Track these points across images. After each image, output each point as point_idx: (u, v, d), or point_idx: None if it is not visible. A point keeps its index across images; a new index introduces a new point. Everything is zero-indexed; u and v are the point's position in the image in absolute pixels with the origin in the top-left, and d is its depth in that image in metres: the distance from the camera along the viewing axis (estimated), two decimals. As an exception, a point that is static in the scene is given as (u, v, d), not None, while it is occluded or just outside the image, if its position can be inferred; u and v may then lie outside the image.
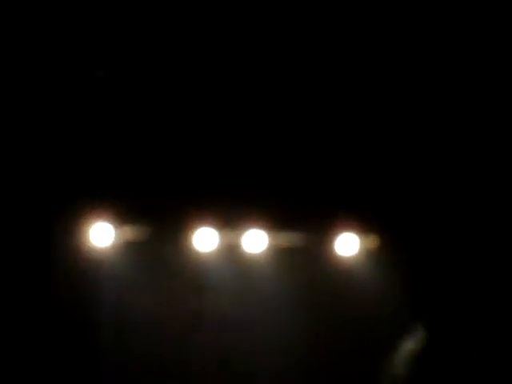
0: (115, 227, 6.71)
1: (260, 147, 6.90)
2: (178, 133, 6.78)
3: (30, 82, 6.31)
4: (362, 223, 7.04)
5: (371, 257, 7.04)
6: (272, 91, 6.74)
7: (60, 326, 6.67)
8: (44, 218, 6.55)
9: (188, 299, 6.92)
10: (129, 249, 6.80)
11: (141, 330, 6.85)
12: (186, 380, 6.93)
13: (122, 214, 6.70)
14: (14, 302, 6.49)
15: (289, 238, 7.07)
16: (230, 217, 6.91)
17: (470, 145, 6.78)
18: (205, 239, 6.82)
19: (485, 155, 6.78)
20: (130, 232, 6.81)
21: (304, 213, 7.03)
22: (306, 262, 7.05)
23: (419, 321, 7.03)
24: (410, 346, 7.06)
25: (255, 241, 6.91)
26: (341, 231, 7.04)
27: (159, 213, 6.83)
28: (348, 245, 7.01)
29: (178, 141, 6.80)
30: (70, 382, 6.66)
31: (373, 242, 7.09)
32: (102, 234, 6.67)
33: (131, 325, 6.84)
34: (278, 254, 6.99)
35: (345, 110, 6.81)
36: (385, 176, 6.94)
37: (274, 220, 6.95)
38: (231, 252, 6.92)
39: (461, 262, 6.94)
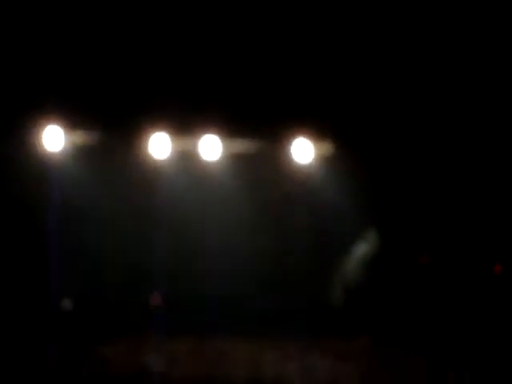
0: (66, 132, 6.67)
1: (216, 53, 6.84)
2: (133, 37, 6.70)
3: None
4: (317, 130, 7.03)
5: (326, 163, 7.06)
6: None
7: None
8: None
9: (139, 200, 6.93)
10: (80, 153, 6.78)
11: (91, 225, 6.89)
12: (133, 274, 6.99)
13: (74, 118, 6.66)
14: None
15: (244, 145, 7.07)
16: (185, 123, 6.88)
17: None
18: (159, 145, 6.80)
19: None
20: (81, 136, 6.78)
21: (259, 119, 7.01)
22: (260, 169, 7.06)
23: (371, 227, 7.10)
24: (361, 251, 7.16)
25: (210, 147, 6.89)
26: (296, 138, 7.03)
27: (112, 118, 6.79)
28: (303, 151, 7.01)
29: (134, 45, 6.72)
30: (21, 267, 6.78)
31: (328, 148, 7.10)
32: (53, 139, 6.63)
33: (81, 220, 6.88)
34: (233, 161, 6.99)
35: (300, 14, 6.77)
36: (339, 83, 6.92)
37: (229, 127, 6.93)
38: (186, 159, 6.91)
39: (413, 168, 6.99)
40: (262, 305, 6.90)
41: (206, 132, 6.90)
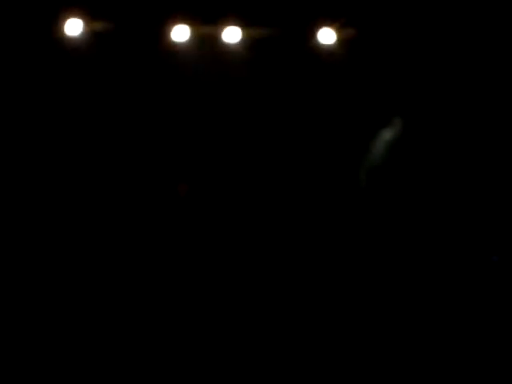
0: (85, 19, 6.59)
1: None
2: None
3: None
4: (340, 14, 6.91)
5: (349, 48, 6.96)
6: None
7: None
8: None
9: (159, 88, 6.89)
10: (98, 39, 6.69)
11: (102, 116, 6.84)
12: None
13: (93, 6, 6.57)
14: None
15: (266, 30, 6.96)
16: (206, 10, 6.77)
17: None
18: (180, 31, 6.70)
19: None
20: (99, 24, 6.69)
21: (281, 4, 6.89)
22: (283, 54, 6.98)
23: (396, 111, 7.07)
24: (386, 135, 7.13)
25: (231, 33, 6.78)
26: (319, 22, 6.91)
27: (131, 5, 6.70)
28: (325, 36, 6.90)
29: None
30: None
31: (350, 32, 6.99)
32: (73, 26, 6.55)
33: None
34: (255, 46, 6.89)
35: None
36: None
37: (251, 12, 6.82)
38: (207, 44, 6.81)
39: (436, 54, 6.92)
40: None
41: (227, 18, 6.79)
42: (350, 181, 7.12)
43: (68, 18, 6.48)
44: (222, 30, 6.76)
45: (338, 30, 6.87)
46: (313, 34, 6.88)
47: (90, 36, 6.64)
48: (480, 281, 6.40)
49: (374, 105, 6.97)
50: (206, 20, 6.80)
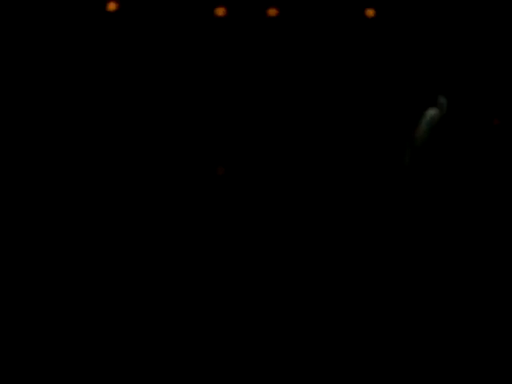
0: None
1: None
2: None
3: None
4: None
5: (392, 23, 7.00)
6: None
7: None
8: None
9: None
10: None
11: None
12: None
13: None
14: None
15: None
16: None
17: None
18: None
19: None
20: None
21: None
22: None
23: (442, 89, 7.12)
24: (432, 113, 7.17)
25: None
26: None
27: None
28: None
29: None
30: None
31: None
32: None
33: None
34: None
35: None
36: None
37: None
38: None
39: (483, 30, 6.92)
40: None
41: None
42: (395, 160, 7.19)
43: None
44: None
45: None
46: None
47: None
48: None
49: (419, 84, 7.05)
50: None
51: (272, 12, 6.61)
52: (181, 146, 6.62)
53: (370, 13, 6.97)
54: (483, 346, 4.44)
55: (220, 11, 6.61)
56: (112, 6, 6.48)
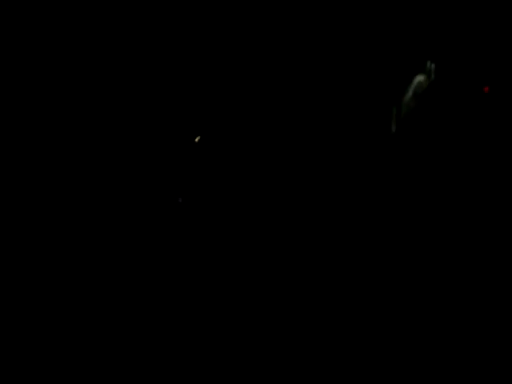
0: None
1: None
2: None
3: None
4: None
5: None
6: None
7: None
8: None
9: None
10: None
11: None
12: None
13: None
14: None
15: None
16: None
17: None
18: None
19: None
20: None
21: None
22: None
23: (429, 55, 6.84)
24: (420, 79, 6.85)
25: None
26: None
27: None
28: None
29: None
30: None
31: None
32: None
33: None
34: None
35: None
36: None
37: None
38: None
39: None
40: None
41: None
42: (381, 128, 6.95)
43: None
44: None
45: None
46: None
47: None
48: None
49: (406, 49, 6.93)
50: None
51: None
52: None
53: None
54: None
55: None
56: None
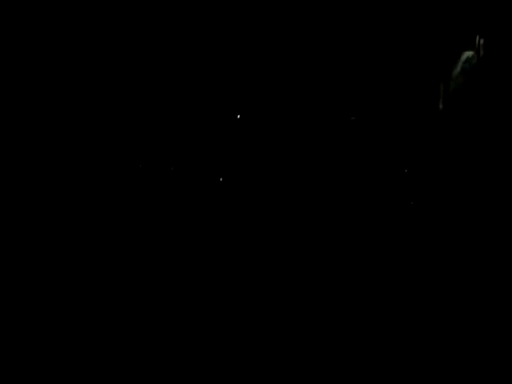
0: None
1: None
2: None
3: None
4: None
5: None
6: None
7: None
8: None
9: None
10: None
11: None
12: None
13: None
14: None
15: None
16: None
17: None
18: None
19: None
20: None
21: None
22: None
23: (478, 30, 6.67)
24: (469, 55, 6.69)
25: None
26: None
27: None
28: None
29: None
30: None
31: None
32: None
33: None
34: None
35: None
36: None
37: None
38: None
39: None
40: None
41: None
42: (428, 106, 6.82)
43: None
44: None
45: None
46: None
47: None
48: None
49: (455, 24, 6.78)
50: None
51: None
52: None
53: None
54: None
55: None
56: None
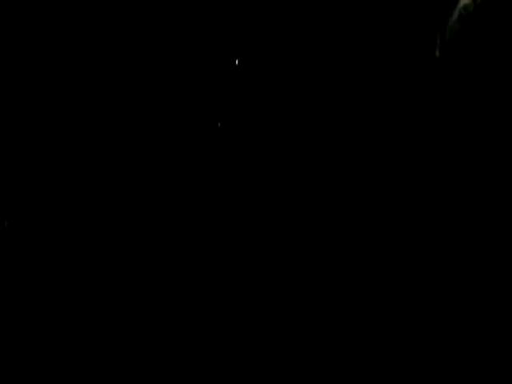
0: None
1: None
2: None
3: None
4: None
5: None
6: None
7: None
8: None
9: None
10: None
11: None
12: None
13: None
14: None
15: None
16: None
17: None
18: None
19: None
20: None
21: None
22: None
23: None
24: (464, 2, 6.59)
25: None
26: None
27: None
28: None
29: None
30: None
31: None
32: None
33: None
34: None
35: None
36: None
37: None
38: None
39: None
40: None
41: None
42: (424, 53, 6.61)
43: None
44: None
45: None
46: None
47: None
48: None
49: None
50: None
51: None
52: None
53: None
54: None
55: None
56: None
